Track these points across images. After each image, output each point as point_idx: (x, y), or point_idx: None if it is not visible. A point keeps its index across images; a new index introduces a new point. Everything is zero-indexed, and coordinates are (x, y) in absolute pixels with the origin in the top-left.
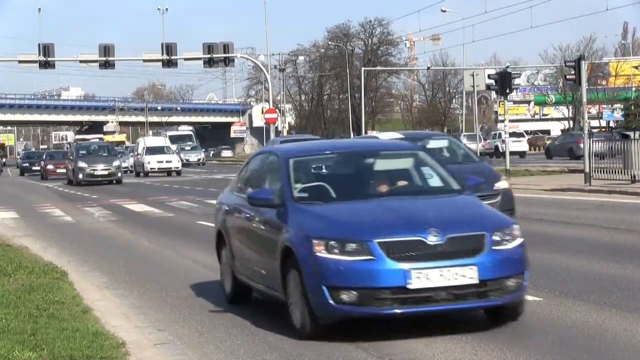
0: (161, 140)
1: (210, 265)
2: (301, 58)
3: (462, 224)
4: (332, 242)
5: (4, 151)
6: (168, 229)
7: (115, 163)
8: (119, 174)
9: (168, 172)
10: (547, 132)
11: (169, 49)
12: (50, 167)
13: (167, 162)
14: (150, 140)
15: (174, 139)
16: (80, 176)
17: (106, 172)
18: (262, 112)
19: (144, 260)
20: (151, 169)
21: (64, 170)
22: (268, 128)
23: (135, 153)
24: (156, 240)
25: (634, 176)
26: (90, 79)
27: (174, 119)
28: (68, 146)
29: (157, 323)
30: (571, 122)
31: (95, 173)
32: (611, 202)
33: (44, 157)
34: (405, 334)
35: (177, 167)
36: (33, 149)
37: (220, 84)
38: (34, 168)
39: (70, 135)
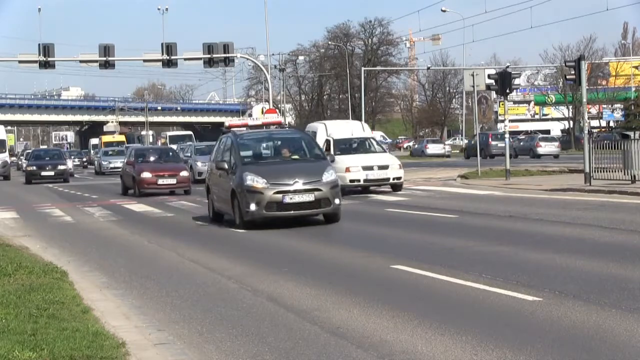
0: (357, 127)
1: (210, 266)
2: (301, 58)
3: None
4: None
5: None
6: (168, 229)
7: (328, 176)
8: (337, 201)
9: (367, 186)
10: (547, 132)
11: (169, 49)
12: (146, 175)
13: (380, 168)
14: (337, 127)
15: (173, 139)
16: (253, 207)
17: (311, 198)
18: (262, 112)
19: (144, 260)
20: (352, 181)
21: (172, 181)
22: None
23: None
24: (156, 240)
25: (634, 176)
26: (90, 79)
27: (174, 119)
28: (68, 146)
29: (157, 323)
30: (571, 122)
31: (289, 200)
32: (611, 202)
33: (132, 156)
34: (405, 333)
35: (398, 178)
36: (32, 148)
37: (220, 84)
38: (44, 173)
39: (70, 135)
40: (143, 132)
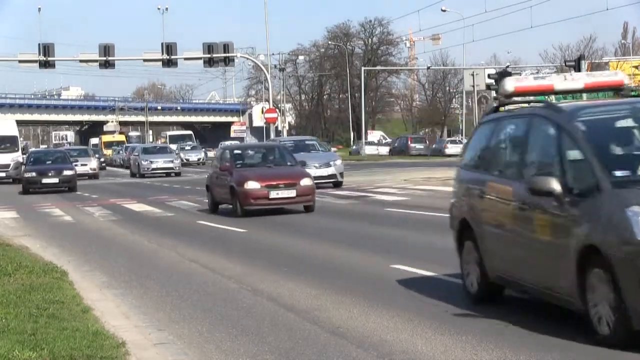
0: None
1: (210, 265)
2: (301, 58)
3: None
4: None
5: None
6: (168, 229)
7: None
8: None
9: None
10: None
11: (169, 48)
12: (254, 185)
13: None
14: None
15: (173, 139)
16: None
17: None
18: (262, 112)
19: (144, 260)
20: None
21: (290, 194)
22: (268, 128)
23: None
24: (156, 240)
25: None
26: (90, 79)
27: (174, 118)
28: (68, 146)
29: (157, 323)
30: None
31: None
32: None
33: (228, 159)
34: (405, 333)
35: None
36: (32, 148)
37: (220, 83)
38: (46, 180)
39: (70, 135)
40: (131, 133)
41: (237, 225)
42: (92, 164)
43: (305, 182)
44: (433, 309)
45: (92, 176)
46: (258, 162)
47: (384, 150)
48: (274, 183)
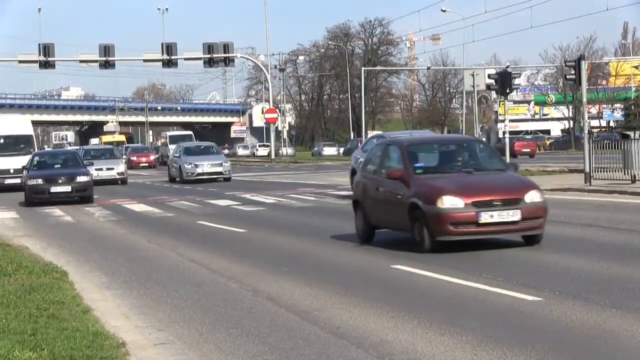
0: None
1: (210, 265)
2: (301, 58)
3: None
4: None
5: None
6: (168, 229)
7: None
8: None
9: None
10: (548, 132)
11: (169, 49)
12: (455, 202)
13: None
14: None
15: (173, 139)
16: None
17: None
18: (262, 112)
19: (144, 260)
20: None
21: (511, 216)
22: (268, 128)
23: None
24: (156, 240)
25: (634, 176)
26: (90, 79)
27: (174, 119)
28: (68, 146)
29: (157, 323)
30: (571, 122)
31: None
32: (611, 202)
33: (395, 159)
34: (405, 333)
35: None
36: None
37: (220, 83)
38: (55, 189)
39: (70, 135)
40: None
41: (237, 225)
42: (119, 167)
43: (533, 197)
44: (433, 309)
45: (120, 182)
46: (446, 165)
47: None
48: (486, 199)
